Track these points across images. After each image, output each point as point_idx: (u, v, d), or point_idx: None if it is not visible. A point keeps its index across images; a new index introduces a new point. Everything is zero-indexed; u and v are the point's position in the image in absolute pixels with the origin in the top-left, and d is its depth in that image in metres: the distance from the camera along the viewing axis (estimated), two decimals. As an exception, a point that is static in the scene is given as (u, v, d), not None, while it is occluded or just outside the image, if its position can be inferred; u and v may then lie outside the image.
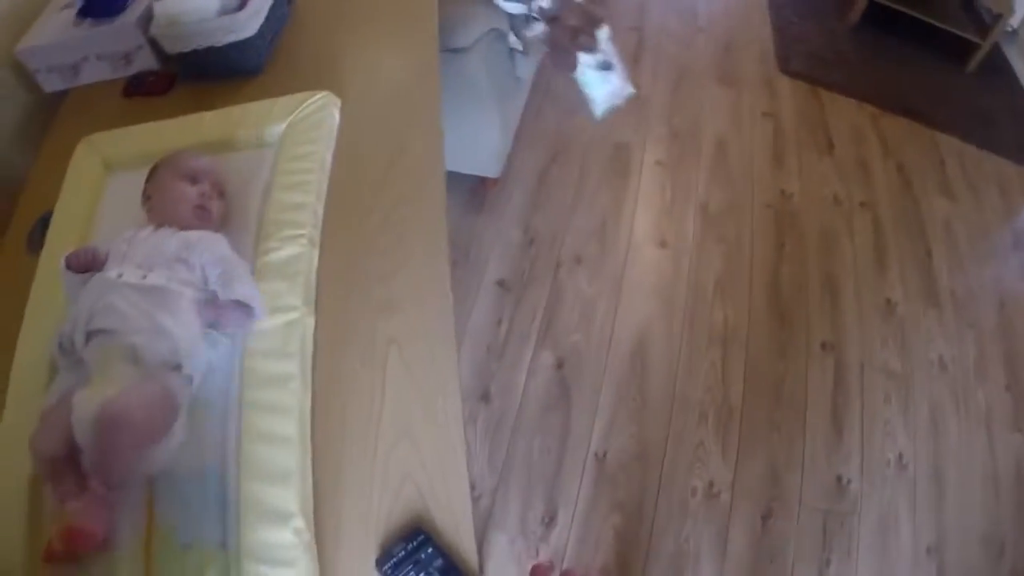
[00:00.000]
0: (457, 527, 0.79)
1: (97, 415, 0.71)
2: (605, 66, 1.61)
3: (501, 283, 2.03)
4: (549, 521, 1.72)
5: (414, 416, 0.85)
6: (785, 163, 2.48)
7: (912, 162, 2.59)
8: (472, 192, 2.17)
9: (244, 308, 0.85)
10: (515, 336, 1.95)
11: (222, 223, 0.98)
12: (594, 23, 1.56)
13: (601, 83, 1.64)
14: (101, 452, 0.72)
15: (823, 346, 2.08)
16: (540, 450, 1.81)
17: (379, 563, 0.75)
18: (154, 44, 1.26)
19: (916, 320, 2.21)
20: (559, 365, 1.93)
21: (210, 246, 0.89)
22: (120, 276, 0.82)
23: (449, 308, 0.92)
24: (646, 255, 2.15)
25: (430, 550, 0.75)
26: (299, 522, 0.75)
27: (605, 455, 1.82)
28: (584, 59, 1.60)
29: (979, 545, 1.88)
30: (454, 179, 2.15)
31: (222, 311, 0.84)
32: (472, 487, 1.69)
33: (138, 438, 0.74)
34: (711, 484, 1.84)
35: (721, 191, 2.35)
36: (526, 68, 2.04)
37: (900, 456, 1.97)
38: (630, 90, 1.67)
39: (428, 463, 0.82)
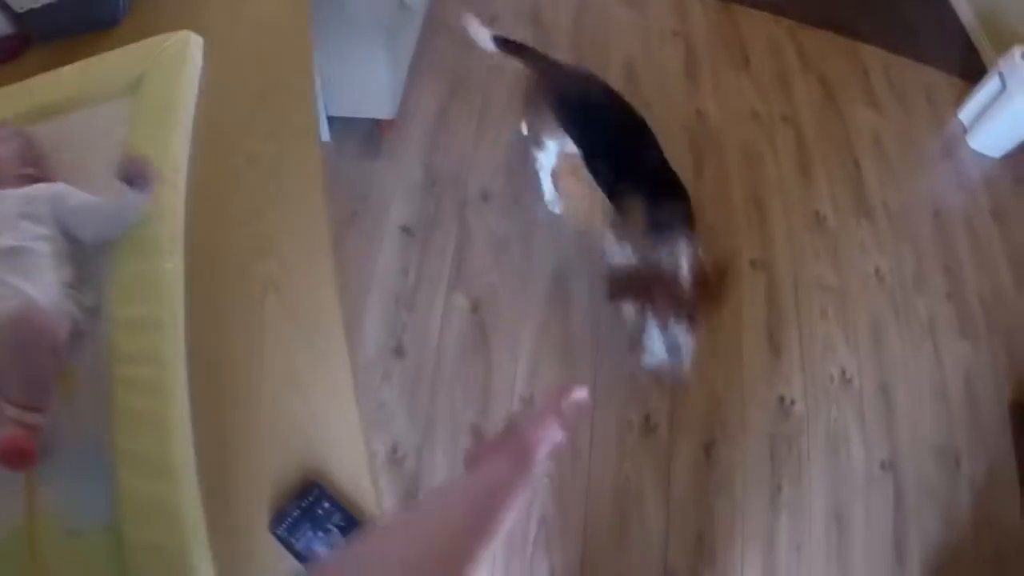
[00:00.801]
0: (355, 476, 0.75)
1: (13, 319, 0.69)
2: (672, 348, 1.47)
3: (405, 229, 1.89)
4: None
5: (298, 361, 0.80)
6: (699, 82, 2.38)
7: (834, 74, 2.51)
8: (367, 137, 2.02)
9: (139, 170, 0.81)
10: (425, 283, 1.82)
11: (70, 177, 0.90)
12: (684, 311, 1.41)
13: (661, 344, 1.50)
14: (20, 363, 0.69)
15: (752, 264, 1.99)
16: (463, 401, 1.69)
17: (273, 525, 0.70)
18: (4, 6, 1.14)
19: (848, 232, 2.14)
20: (474, 309, 1.80)
21: (53, 191, 0.83)
22: None
23: (327, 245, 0.89)
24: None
25: (327, 504, 0.71)
26: (180, 477, 0.70)
27: (532, 399, 1.71)
28: (652, 328, 1.48)
29: (934, 457, 1.83)
30: (347, 125, 2.01)
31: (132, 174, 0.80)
32: (395, 449, 1.61)
33: (53, 342, 0.71)
34: (647, 417, 1.74)
35: (634, 115, 2.22)
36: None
37: (843, 372, 1.90)
38: (684, 376, 1.55)
39: (317, 410, 0.78)
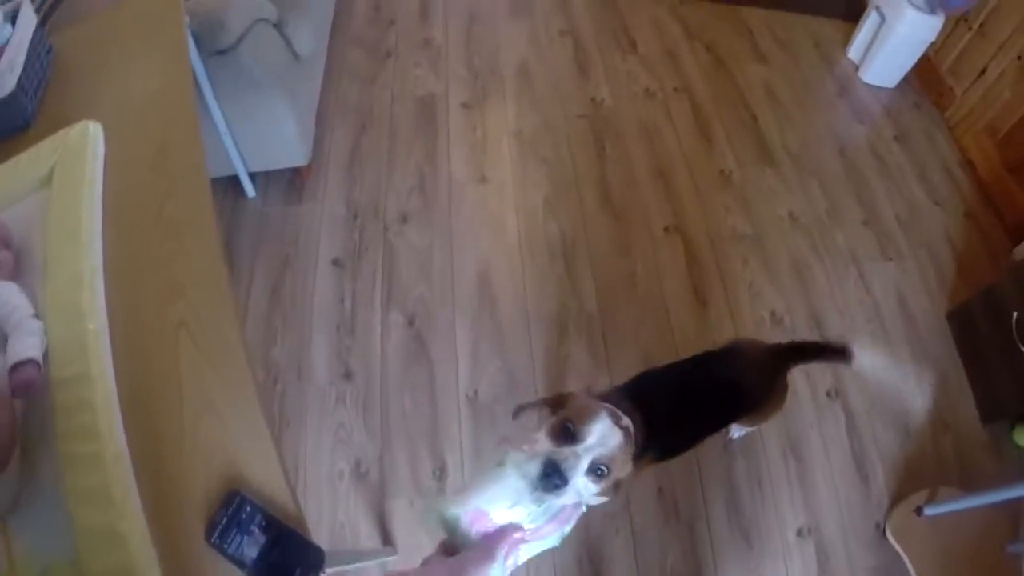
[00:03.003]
0: (270, 480, 0.82)
1: None
2: None
3: (336, 262, 2.00)
4: (440, 473, 1.69)
5: (210, 387, 0.89)
6: (590, 73, 2.50)
7: (720, 40, 2.64)
8: (289, 184, 2.15)
9: (28, 368, 0.85)
10: (360, 308, 1.93)
11: (15, 272, 0.99)
12: None
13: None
14: None
15: (666, 230, 2.09)
16: (412, 407, 1.78)
17: (207, 535, 0.76)
18: None
19: (755, 182, 2.24)
20: (410, 323, 1.90)
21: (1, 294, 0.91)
22: None
23: (225, 284, 0.98)
24: (469, 194, 2.14)
25: (248, 509, 0.77)
26: (124, 503, 0.76)
27: (476, 393, 1.80)
28: None
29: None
30: (269, 177, 2.15)
31: (17, 382, 0.85)
32: (358, 464, 1.71)
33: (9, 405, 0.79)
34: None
35: (532, 115, 2.35)
36: (306, 45, 2.03)
37: (773, 312, 1.98)
38: None
39: (231, 427, 0.86)
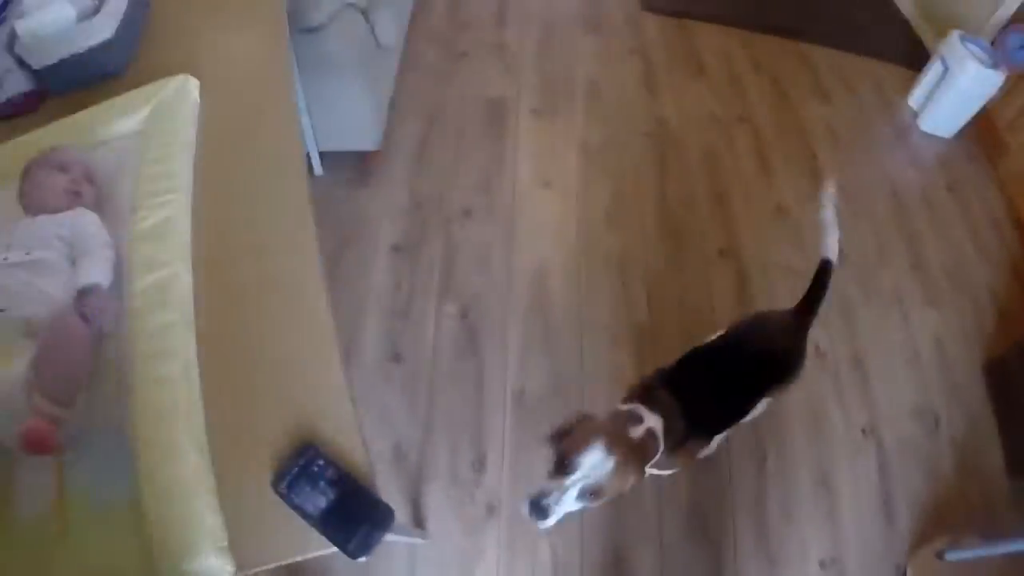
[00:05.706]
0: (344, 434, 0.83)
1: (50, 327, 0.80)
2: None
3: (396, 248, 2.05)
4: (480, 465, 1.72)
5: (292, 345, 0.91)
6: (658, 93, 2.55)
7: (786, 75, 2.68)
8: (357, 168, 2.20)
9: (93, 296, 0.89)
10: (417, 295, 1.97)
11: (97, 206, 1.04)
12: None
13: None
14: (55, 361, 0.79)
15: (721, 253, 2.13)
16: (459, 398, 1.81)
17: (275, 483, 0.77)
18: (23, 63, 1.27)
19: (810, 219, 2.23)
20: (463, 314, 1.94)
21: (80, 222, 0.96)
22: (5, 259, 0.88)
23: (313, 247, 1.00)
24: (533, 197, 2.19)
25: (321, 462, 0.78)
26: (193, 457, 0.78)
27: (523, 391, 1.83)
28: None
29: (912, 419, 1.93)
30: (338, 158, 2.20)
31: (85, 307, 0.88)
32: (398, 446, 1.74)
33: (83, 350, 0.83)
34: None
35: (599, 128, 2.40)
36: (388, 35, 2.09)
37: (817, 346, 2.00)
38: None
39: (310, 384, 0.87)
